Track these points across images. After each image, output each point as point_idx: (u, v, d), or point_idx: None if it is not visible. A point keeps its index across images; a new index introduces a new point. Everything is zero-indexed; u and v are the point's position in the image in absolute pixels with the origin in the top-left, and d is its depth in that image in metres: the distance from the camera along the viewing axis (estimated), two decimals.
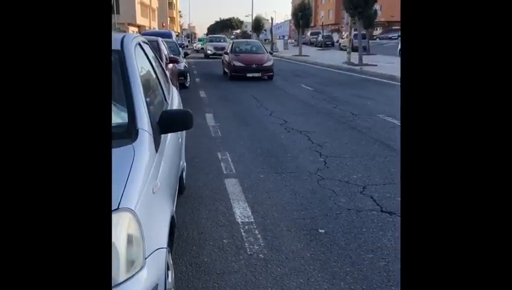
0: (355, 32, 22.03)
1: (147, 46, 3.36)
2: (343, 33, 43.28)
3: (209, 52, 29.76)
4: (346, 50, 22.53)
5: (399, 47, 22.67)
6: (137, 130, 2.05)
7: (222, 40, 32.77)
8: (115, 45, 2.51)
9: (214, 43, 31.09)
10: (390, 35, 29.52)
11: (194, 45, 48.89)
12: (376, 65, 18.68)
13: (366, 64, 18.91)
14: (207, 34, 58.82)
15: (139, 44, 2.95)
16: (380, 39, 27.66)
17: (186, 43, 51.38)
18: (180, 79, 11.14)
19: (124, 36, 2.68)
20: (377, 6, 24.74)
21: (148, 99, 2.38)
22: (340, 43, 39.74)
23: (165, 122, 2.34)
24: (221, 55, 23.53)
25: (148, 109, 2.24)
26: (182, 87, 11.18)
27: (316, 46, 44.23)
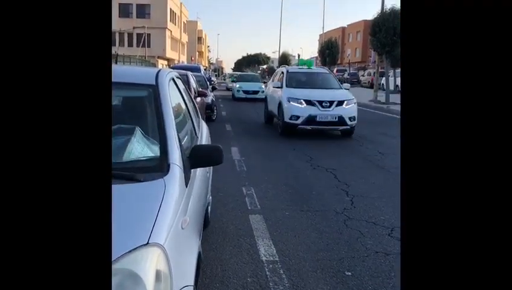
0: (381, 70, 22.08)
1: (180, 80, 3.44)
2: (364, 71, 43.65)
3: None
4: (368, 87, 22.70)
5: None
6: (169, 165, 2.06)
7: (333, 85, 12.06)
8: (150, 80, 2.60)
9: (311, 94, 9.98)
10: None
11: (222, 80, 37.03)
12: None
13: (394, 103, 18.80)
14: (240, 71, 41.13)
15: (173, 79, 3.02)
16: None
17: (214, 78, 44.88)
18: (207, 112, 11.32)
19: (158, 71, 2.75)
20: None
21: (180, 134, 2.41)
22: (361, 81, 40.14)
23: (196, 157, 2.35)
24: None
25: (180, 143, 2.26)
26: (208, 120, 11.34)
27: (342, 83, 44.48)
